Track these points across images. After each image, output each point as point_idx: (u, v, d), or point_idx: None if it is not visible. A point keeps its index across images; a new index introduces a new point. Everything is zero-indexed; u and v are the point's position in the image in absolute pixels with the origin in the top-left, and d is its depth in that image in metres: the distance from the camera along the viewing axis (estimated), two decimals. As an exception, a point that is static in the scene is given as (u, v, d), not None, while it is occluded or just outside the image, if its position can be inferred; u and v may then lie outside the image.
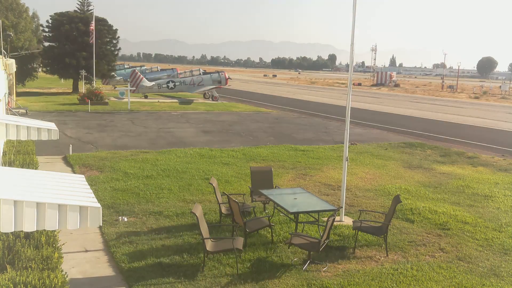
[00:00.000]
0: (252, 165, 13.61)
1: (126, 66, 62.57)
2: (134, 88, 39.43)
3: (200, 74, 43.80)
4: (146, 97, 41.77)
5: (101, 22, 45.29)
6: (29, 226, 4.47)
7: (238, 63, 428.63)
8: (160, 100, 40.43)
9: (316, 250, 8.18)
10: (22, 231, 4.56)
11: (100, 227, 9.56)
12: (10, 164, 11.64)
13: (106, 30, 45.81)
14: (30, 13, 45.36)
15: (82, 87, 42.12)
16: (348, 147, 11.39)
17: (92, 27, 39.94)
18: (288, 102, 45.73)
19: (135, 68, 54.31)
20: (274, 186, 11.40)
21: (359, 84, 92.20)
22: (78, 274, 7.71)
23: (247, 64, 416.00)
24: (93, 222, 4.76)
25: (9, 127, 8.08)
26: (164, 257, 8.41)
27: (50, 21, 44.61)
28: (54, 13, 45.28)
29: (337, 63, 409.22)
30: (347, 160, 10.97)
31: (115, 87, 50.22)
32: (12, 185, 5.12)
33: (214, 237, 8.73)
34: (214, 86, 43.13)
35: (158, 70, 57.85)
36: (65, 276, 6.46)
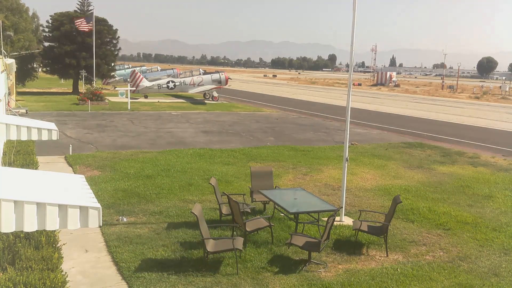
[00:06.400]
0: (252, 165, 13.62)
1: (126, 67, 62.51)
2: (134, 88, 39.43)
3: (200, 74, 43.78)
4: (146, 97, 41.77)
5: (101, 22, 45.30)
6: (29, 226, 4.47)
7: (238, 63, 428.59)
8: (160, 100, 40.43)
9: (316, 250, 8.18)
10: (22, 231, 4.55)
11: (100, 227, 9.56)
12: (10, 164, 11.63)
13: (106, 30, 45.82)
14: (30, 13, 45.35)
15: (82, 87, 42.14)
16: (348, 147, 11.39)
17: (91, 27, 40.03)
18: (288, 102, 45.73)
19: (135, 68, 54.29)
20: (274, 186, 11.40)
21: (359, 85, 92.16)
22: (78, 274, 7.71)
23: (247, 64, 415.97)
24: (93, 222, 4.76)
25: (9, 127, 8.09)
26: (164, 257, 8.42)
27: (50, 21, 44.63)
28: (54, 13, 45.29)
29: (337, 63, 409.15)
30: (347, 161, 10.97)
31: (115, 87, 50.22)
32: (12, 185, 5.12)
33: (214, 237, 8.74)
34: (214, 86, 43.12)
35: (158, 70, 57.81)
36: (65, 276, 6.46)
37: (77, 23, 40.47)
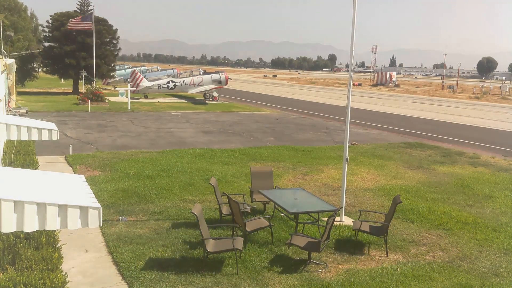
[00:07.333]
0: (252, 165, 13.62)
1: (126, 67, 62.51)
2: (134, 88, 39.44)
3: (200, 74, 43.78)
4: (146, 97, 41.79)
5: (101, 22, 45.27)
6: (29, 226, 4.47)
7: (238, 64, 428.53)
8: (160, 100, 40.44)
9: (316, 250, 8.18)
10: (22, 231, 4.55)
11: (100, 227, 9.56)
12: (10, 164, 11.64)
13: (106, 30, 45.80)
14: (28, 13, 45.35)
15: (82, 87, 42.17)
16: (348, 147, 11.39)
17: (90, 26, 40.04)
18: (288, 102, 45.73)
19: (135, 69, 54.30)
20: (274, 186, 11.40)
21: (359, 85, 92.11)
22: (78, 274, 7.71)
23: (247, 64, 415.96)
24: (93, 222, 4.76)
25: (9, 127, 8.09)
26: (164, 257, 8.42)
27: (50, 21, 44.64)
28: (54, 13, 45.30)
29: (337, 63, 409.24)
30: (347, 161, 10.97)
31: (115, 87, 50.23)
32: (12, 185, 5.12)
33: (214, 237, 8.74)
34: (214, 86, 43.12)
35: (158, 70, 57.82)
36: (65, 276, 6.47)
37: (70, 25, 40.40)
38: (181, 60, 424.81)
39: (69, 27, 40.67)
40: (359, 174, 15.40)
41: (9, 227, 4.41)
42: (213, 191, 10.57)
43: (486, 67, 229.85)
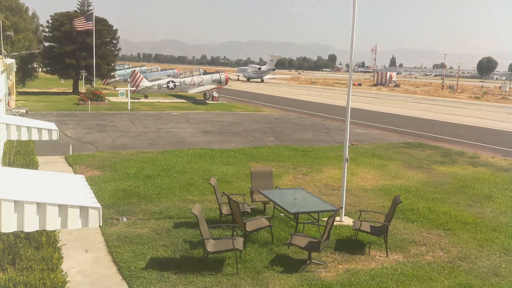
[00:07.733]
0: (252, 165, 13.61)
1: (126, 67, 62.51)
2: (134, 88, 39.44)
3: (200, 74, 43.78)
4: (146, 97, 41.79)
5: (101, 22, 45.28)
6: (29, 226, 4.47)
7: (238, 64, 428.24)
8: (160, 100, 40.45)
9: (316, 250, 8.18)
10: (22, 231, 4.56)
11: (100, 227, 9.56)
12: (10, 164, 11.64)
13: (106, 30, 45.81)
14: (30, 13, 45.38)
15: (82, 87, 42.18)
16: (348, 147, 11.39)
17: (90, 26, 40.06)
18: (288, 102, 45.72)
19: (135, 69, 54.29)
20: (274, 186, 11.41)
21: (359, 85, 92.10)
22: (78, 274, 7.71)
23: (247, 64, 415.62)
24: (93, 222, 4.76)
25: (9, 127, 8.10)
26: (164, 257, 8.42)
27: (50, 21, 44.65)
28: (54, 13, 45.31)
29: (337, 63, 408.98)
30: (347, 161, 10.97)
31: (115, 87, 50.23)
32: (12, 185, 5.12)
33: (214, 237, 8.75)
34: (214, 86, 43.13)
35: (158, 70, 57.82)
36: (65, 276, 6.47)
37: (76, 24, 40.55)
38: (181, 60, 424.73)
39: (75, 28, 40.82)
40: (359, 174, 15.40)
41: (9, 227, 4.41)
42: (213, 191, 10.57)
43: (486, 67, 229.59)
